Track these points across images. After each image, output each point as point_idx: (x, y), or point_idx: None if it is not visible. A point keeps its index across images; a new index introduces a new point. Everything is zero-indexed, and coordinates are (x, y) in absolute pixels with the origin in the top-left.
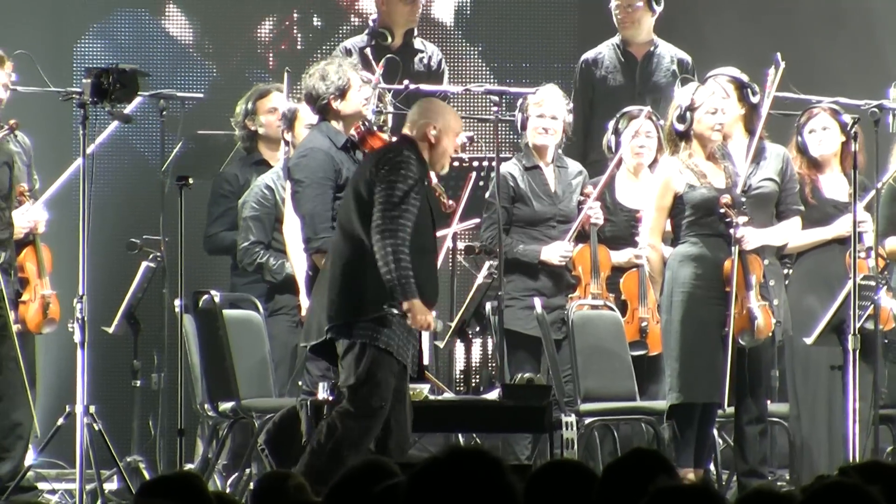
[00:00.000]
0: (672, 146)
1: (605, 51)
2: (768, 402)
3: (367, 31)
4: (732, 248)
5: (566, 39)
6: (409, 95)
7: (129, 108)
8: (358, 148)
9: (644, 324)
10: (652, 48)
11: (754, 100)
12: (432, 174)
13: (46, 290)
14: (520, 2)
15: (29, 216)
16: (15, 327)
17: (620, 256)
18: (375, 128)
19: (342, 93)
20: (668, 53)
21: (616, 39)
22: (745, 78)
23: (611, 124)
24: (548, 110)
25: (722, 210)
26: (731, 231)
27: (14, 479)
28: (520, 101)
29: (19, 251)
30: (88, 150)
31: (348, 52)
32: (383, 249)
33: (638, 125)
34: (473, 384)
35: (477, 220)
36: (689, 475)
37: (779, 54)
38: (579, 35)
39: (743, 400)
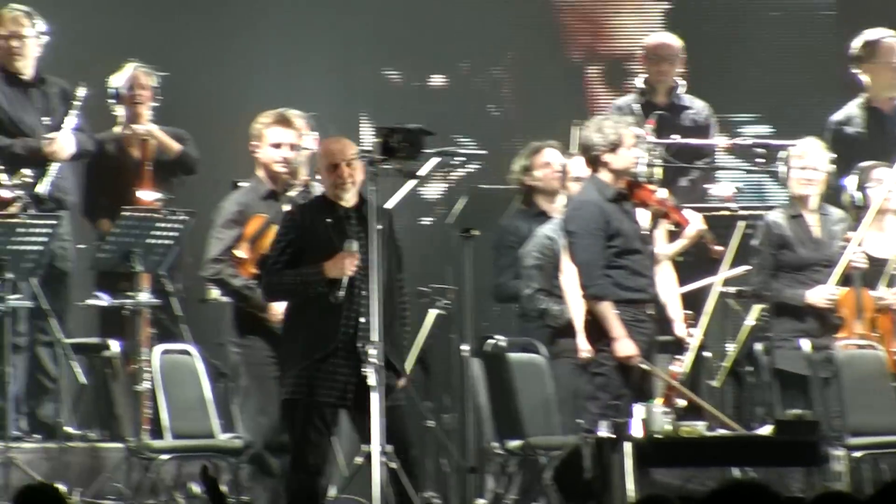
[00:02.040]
0: None
1: (853, 110)
2: None
3: (636, 90)
4: None
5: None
6: (678, 149)
7: (422, 170)
8: (627, 199)
9: None
10: None
11: None
12: None
13: None
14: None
15: None
16: None
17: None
18: (644, 180)
19: (614, 147)
20: None
21: (861, 99)
22: None
23: (851, 179)
24: (809, 162)
25: None
26: None
27: None
28: (782, 153)
29: None
30: (392, 203)
31: (619, 110)
32: None
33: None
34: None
35: (746, 267)
36: None
37: None
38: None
39: None
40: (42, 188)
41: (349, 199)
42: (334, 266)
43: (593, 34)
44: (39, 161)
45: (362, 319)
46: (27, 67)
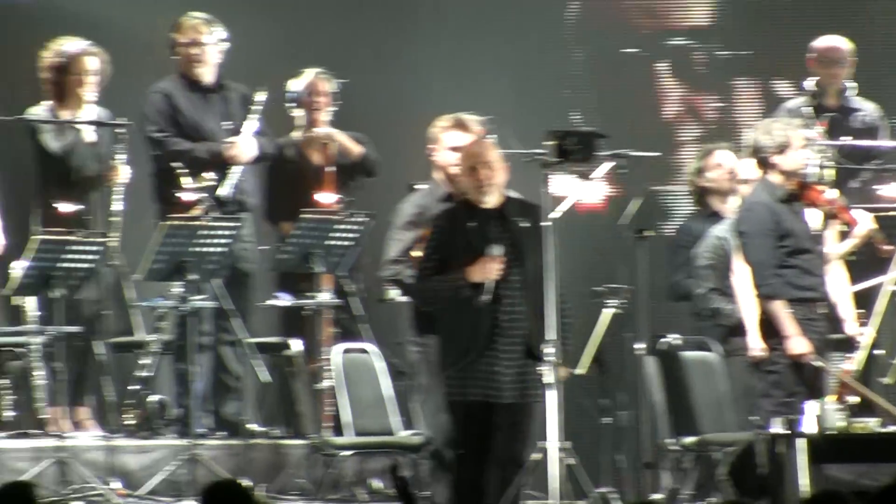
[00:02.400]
0: None
1: None
2: None
3: (806, 93)
4: None
5: None
6: (849, 151)
7: (595, 172)
8: (797, 200)
9: None
10: None
11: None
12: None
13: None
14: None
15: None
16: None
17: None
18: (814, 181)
19: (783, 149)
20: None
21: None
22: None
23: None
24: None
25: None
26: None
27: None
28: None
29: None
30: (556, 214)
31: (790, 113)
32: None
33: None
34: None
35: None
36: None
37: None
38: None
39: None
40: (224, 191)
41: (490, 200)
42: (478, 271)
43: None
44: (221, 164)
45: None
46: (207, 74)
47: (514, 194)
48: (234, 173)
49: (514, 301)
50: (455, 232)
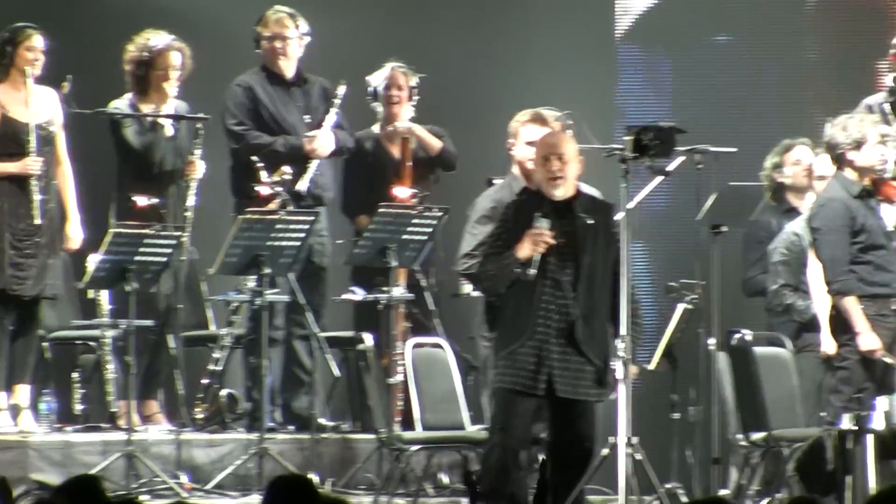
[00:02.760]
0: None
1: None
2: None
3: (886, 88)
4: None
5: None
6: None
7: (670, 166)
8: (873, 196)
9: None
10: None
11: None
12: None
13: None
14: None
15: None
16: None
17: None
18: (890, 177)
19: (858, 145)
20: None
21: None
22: None
23: None
24: None
25: None
26: None
27: None
28: None
29: None
30: (630, 205)
31: (869, 109)
32: None
33: None
34: None
35: None
36: None
37: None
38: None
39: None
40: (302, 185)
41: (561, 193)
42: (525, 245)
43: None
44: (300, 158)
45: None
46: (290, 67)
47: (589, 190)
48: (312, 167)
49: (565, 296)
50: (520, 222)
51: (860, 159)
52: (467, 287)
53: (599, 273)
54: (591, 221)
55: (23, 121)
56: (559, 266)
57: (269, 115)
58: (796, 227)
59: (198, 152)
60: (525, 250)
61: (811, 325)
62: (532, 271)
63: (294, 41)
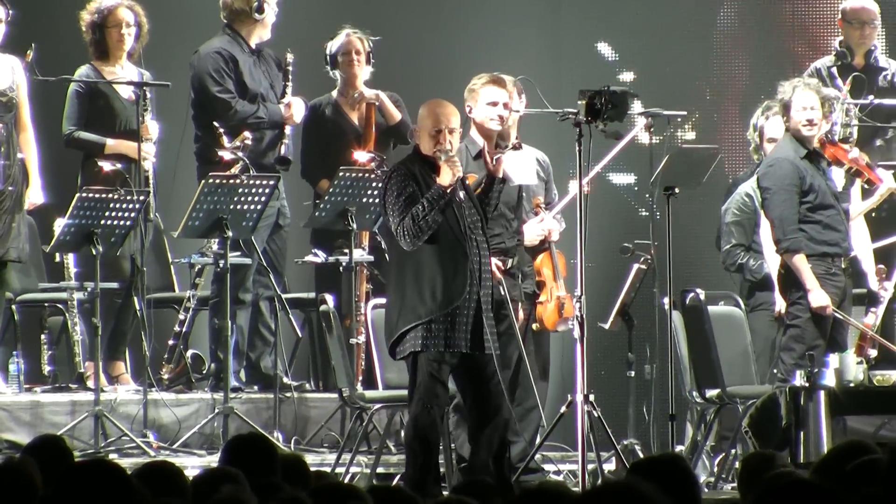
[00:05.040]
0: None
1: None
2: None
3: (834, 52)
4: None
5: None
6: (874, 109)
7: (629, 134)
8: (822, 158)
9: None
10: None
11: None
12: None
13: (561, 292)
14: None
15: (543, 226)
16: (533, 326)
17: None
18: (839, 139)
19: (786, 108)
20: None
21: None
22: None
23: None
24: None
25: None
26: None
27: (524, 461)
28: None
29: (535, 257)
30: (593, 173)
31: (817, 72)
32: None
33: None
34: None
35: None
36: None
37: None
38: None
39: None
40: (284, 150)
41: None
42: (443, 173)
43: None
44: (279, 125)
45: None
46: (265, 35)
47: (535, 152)
48: (288, 133)
49: (483, 253)
50: (425, 182)
51: (791, 122)
52: None
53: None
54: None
55: None
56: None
57: (248, 82)
58: (748, 188)
59: (148, 115)
60: (446, 175)
61: (763, 284)
62: (461, 193)
63: (271, 10)
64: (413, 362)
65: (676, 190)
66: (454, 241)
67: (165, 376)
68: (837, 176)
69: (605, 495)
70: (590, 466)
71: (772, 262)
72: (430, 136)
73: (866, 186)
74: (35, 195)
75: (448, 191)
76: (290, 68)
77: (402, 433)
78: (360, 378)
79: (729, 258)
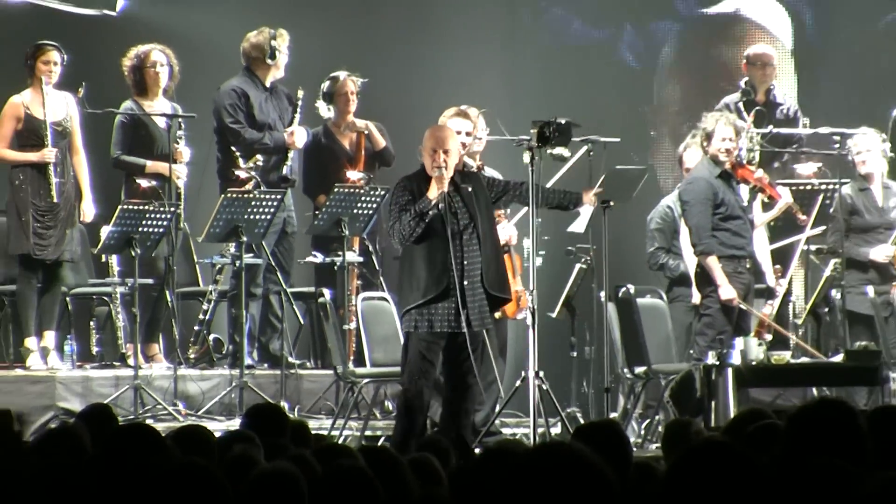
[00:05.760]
0: None
1: None
2: None
3: (740, 89)
4: None
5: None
6: (773, 137)
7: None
8: (732, 177)
9: None
10: None
11: None
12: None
13: (518, 287)
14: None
15: (504, 233)
16: (496, 314)
17: None
18: (745, 162)
19: (709, 137)
20: None
21: None
22: None
23: None
24: (863, 147)
25: None
26: None
27: (486, 425)
28: (847, 140)
29: None
30: (550, 183)
31: (727, 107)
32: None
33: None
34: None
35: (823, 228)
36: None
37: None
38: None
39: None
40: (286, 170)
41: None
42: (431, 187)
43: None
44: (282, 149)
45: (465, 262)
46: (277, 76)
47: (492, 172)
48: (291, 156)
49: (473, 250)
50: (421, 188)
51: (710, 148)
52: None
53: (488, 226)
54: (469, 189)
55: (40, 118)
56: (459, 226)
57: (257, 114)
58: (668, 201)
59: (181, 141)
60: (432, 190)
61: (680, 280)
62: (441, 205)
63: (284, 55)
64: (406, 340)
65: (611, 203)
66: (440, 242)
67: (192, 356)
68: (744, 192)
69: (547, 451)
70: (540, 430)
71: (689, 262)
72: (429, 155)
73: (767, 201)
74: (88, 210)
75: (432, 203)
76: (300, 102)
77: (388, 403)
78: (352, 358)
79: (652, 259)
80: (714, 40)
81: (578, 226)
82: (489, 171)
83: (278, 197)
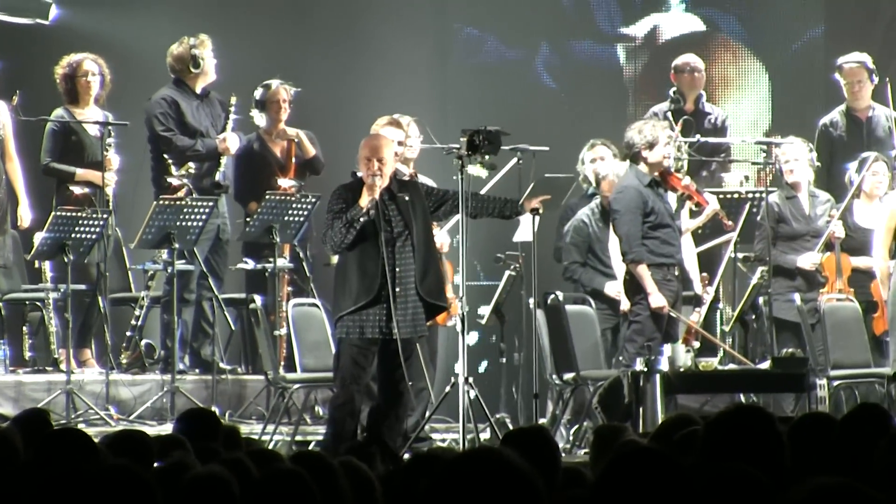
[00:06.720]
0: None
1: (837, 116)
2: None
3: (669, 99)
4: None
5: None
6: (701, 146)
7: (504, 168)
8: (660, 185)
9: None
10: (871, 112)
11: None
12: None
13: (449, 294)
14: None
15: (437, 240)
16: None
17: (859, 262)
18: (673, 170)
19: (651, 146)
20: (884, 114)
21: (843, 107)
22: None
23: (851, 165)
24: (791, 156)
25: None
26: None
27: (416, 431)
28: (776, 150)
29: None
30: (483, 191)
31: (656, 116)
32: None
33: (873, 165)
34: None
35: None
36: None
37: None
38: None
39: None
40: (219, 176)
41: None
42: (363, 195)
43: None
44: (215, 156)
45: (398, 269)
46: (205, 84)
47: (425, 180)
48: (224, 162)
49: (406, 258)
50: (355, 196)
51: (652, 157)
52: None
53: (429, 235)
54: (407, 198)
55: None
56: (393, 234)
57: (189, 122)
58: (583, 216)
59: (111, 149)
60: (364, 198)
61: (594, 294)
62: (372, 212)
63: (211, 62)
64: (338, 346)
65: (540, 210)
66: (372, 249)
67: (124, 361)
68: (672, 199)
69: (475, 456)
70: (469, 436)
71: (619, 270)
72: (364, 164)
73: (695, 208)
74: (25, 215)
75: (363, 210)
76: (233, 108)
77: (318, 408)
78: (283, 363)
79: (566, 273)
80: (640, 56)
81: (524, 234)
82: (423, 179)
83: (210, 204)
